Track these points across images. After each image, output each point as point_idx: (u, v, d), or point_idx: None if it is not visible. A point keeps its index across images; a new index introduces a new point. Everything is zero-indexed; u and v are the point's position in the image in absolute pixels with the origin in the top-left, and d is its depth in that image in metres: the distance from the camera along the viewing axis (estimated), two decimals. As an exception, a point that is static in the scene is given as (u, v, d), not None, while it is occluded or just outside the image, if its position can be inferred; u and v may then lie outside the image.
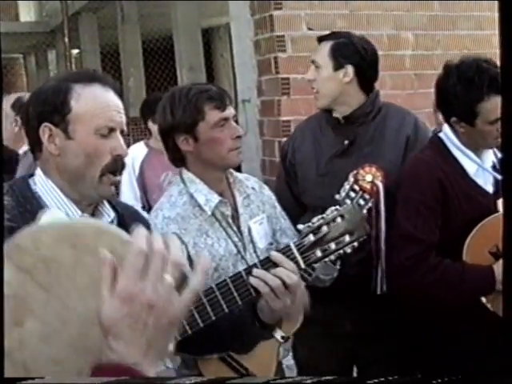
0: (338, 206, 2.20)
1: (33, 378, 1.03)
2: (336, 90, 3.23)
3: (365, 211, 2.44)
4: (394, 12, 10.31)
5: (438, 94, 2.77)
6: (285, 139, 9.87)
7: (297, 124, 10.53)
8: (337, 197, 2.48)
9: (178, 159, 2.61)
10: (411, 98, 9.92)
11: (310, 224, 2.10)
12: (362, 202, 2.48)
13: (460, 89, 2.62)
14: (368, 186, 2.51)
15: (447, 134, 2.75)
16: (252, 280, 2.03)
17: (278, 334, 2.60)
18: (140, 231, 1.06)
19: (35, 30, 19.08)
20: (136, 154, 4.90)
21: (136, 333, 1.01)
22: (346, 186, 2.51)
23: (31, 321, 1.09)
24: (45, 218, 1.17)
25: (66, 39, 12.53)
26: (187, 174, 2.59)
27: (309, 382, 1.19)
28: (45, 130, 1.88)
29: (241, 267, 2.53)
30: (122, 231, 1.16)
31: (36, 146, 1.93)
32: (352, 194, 2.49)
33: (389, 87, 10.23)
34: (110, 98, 1.92)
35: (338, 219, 2.09)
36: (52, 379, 1.04)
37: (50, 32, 18.55)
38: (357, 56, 3.23)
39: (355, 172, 2.52)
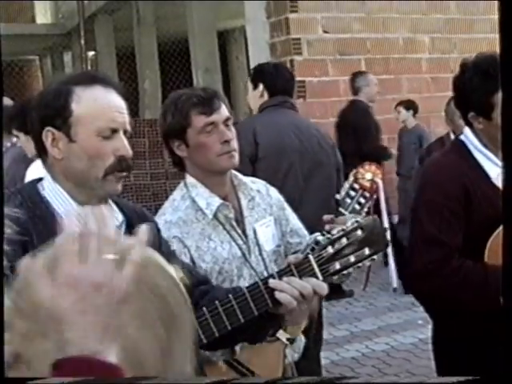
0: (358, 218, 2.18)
1: (34, 378, 1.02)
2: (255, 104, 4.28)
3: (366, 209, 2.43)
4: (410, 15, 10.30)
5: (456, 92, 2.77)
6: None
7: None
8: (337, 196, 2.47)
9: (178, 164, 2.63)
10: (428, 102, 9.91)
11: (329, 236, 2.08)
12: (362, 200, 2.47)
13: (476, 81, 2.62)
14: (368, 184, 2.50)
15: (468, 136, 2.74)
16: (277, 294, 2.01)
17: (283, 337, 2.60)
18: (69, 213, 1.04)
19: (51, 31, 19.16)
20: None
21: (88, 317, 0.99)
22: (346, 185, 2.51)
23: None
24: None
25: (82, 41, 12.57)
26: (190, 179, 2.60)
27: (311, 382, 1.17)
28: (48, 135, 1.87)
29: (245, 270, 2.53)
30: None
31: (41, 150, 1.92)
32: (352, 193, 2.48)
33: (405, 91, 10.24)
34: (112, 98, 1.90)
35: (358, 231, 2.06)
36: (52, 379, 1.03)
37: (66, 34, 18.62)
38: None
39: (355, 171, 2.51)
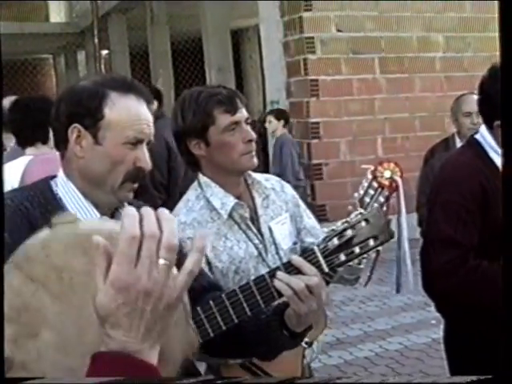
0: (362, 210, 2.18)
1: (33, 378, 1.02)
2: None
3: (385, 208, 2.41)
4: (424, 14, 10.27)
5: (481, 95, 2.74)
6: (314, 141, 9.90)
7: (326, 126, 10.53)
8: (355, 195, 2.45)
9: (193, 163, 2.60)
10: (441, 101, 9.87)
11: (334, 228, 2.07)
12: (381, 199, 2.45)
13: None
14: (387, 183, 2.47)
15: (484, 136, 2.72)
16: (276, 283, 2.01)
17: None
18: (129, 213, 1.02)
19: (65, 30, 19.23)
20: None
21: (134, 321, 0.99)
22: (365, 184, 2.48)
23: (47, 332, 1.08)
24: (56, 220, 1.14)
25: (96, 40, 12.59)
26: (203, 179, 2.58)
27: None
28: (74, 131, 1.88)
29: (262, 269, 2.50)
30: None
31: (61, 144, 1.93)
32: (371, 192, 2.46)
33: (418, 89, 10.21)
34: (143, 111, 1.92)
35: (363, 223, 2.05)
36: (52, 379, 1.03)
37: (79, 33, 18.68)
38: None
39: (373, 168, 2.49)
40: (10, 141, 4.27)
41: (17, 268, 1.08)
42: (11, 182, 3.31)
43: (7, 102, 4.28)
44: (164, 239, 1.01)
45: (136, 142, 1.88)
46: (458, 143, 4.99)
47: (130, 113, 1.88)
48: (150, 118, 1.93)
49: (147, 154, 1.91)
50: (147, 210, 1.04)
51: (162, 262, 1.00)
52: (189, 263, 1.03)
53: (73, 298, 1.08)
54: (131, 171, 1.88)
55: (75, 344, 1.07)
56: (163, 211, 1.05)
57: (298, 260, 2.02)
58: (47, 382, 1.01)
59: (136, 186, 1.93)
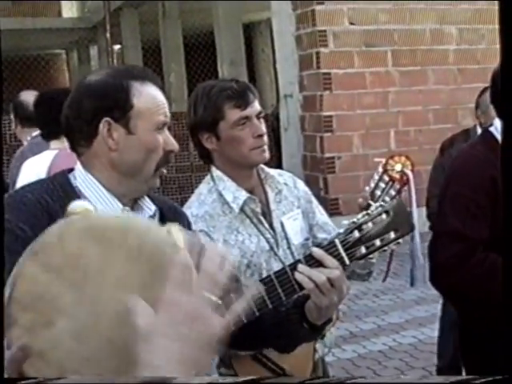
0: (382, 202, 2.16)
1: (33, 378, 1.02)
2: None
3: None
4: (437, 6, 10.22)
5: (495, 89, 2.71)
6: (327, 134, 9.88)
7: (339, 119, 10.53)
8: (366, 188, 2.44)
9: (206, 156, 2.61)
10: (454, 93, 9.84)
11: (354, 220, 2.07)
12: (392, 192, 2.44)
13: None
14: (398, 176, 2.47)
15: (498, 128, 2.70)
16: (297, 275, 2.01)
17: None
18: (212, 248, 1.05)
19: (77, 25, 19.28)
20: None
21: (173, 345, 0.99)
22: (376, 177, 2.47)
23: (63, 320, 1.08)
24: (71, 208, 1.15)
25: (108, 35, 12.59)
26: (216, 172, 2.59)
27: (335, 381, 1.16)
28: (104, 125, 1.89)
29: (274, 263, 2.51)
30: (151, 227, 1.14)
31: (83, 141, 1.93)
32: (382, 185, 2.45)
33: (432, 82, 10.17)
34: (162, 96, 1.96)
35: (383, 215, 2.05)
36: (52, 379, 1.02)
37: (91, 28, 18.72)
38: None
39: (384, 162, 2.48)
40: (27, 134, 4.31)
41: (33, 257, 1.08)
42: (38, 175, 3.33)
43: (30, 96, 4.34)
44: (220, 278, 1.03)
45: (163, 127, 1.92)
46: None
47: (154, 99, 1.92)
48: (166, 103, 1.97)
49: (171, 136, 1.95)
50: (213, 246, 1.07)
51: (214, 298, 1.02)
52: (238, 307, 1.05)
53: (88, 286, 1.08)
54: (162, 157, 1.91)
55: (90, 332, 1.07)
56: (228, 252, 1.10)
57: (319, 253, 2.01)
58: (47, 382, 1.01)
59: (165, 171, 1.95)
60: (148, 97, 1.92)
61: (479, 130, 5.02)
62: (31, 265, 1.08)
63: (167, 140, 1.92)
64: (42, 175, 3.41)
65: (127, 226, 1.11)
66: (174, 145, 1.94)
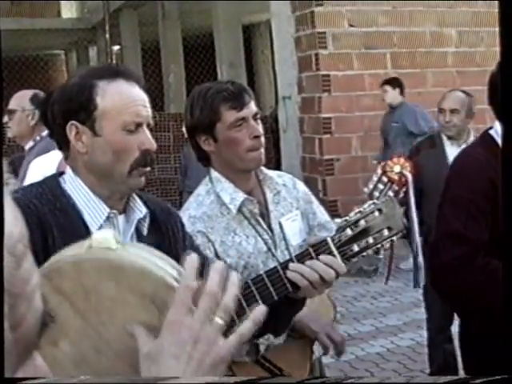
0: (375, 200, 2.16)
1: (33, 378, 1.01)
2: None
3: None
4: (437, 8, 10.22)
5: (491, 89, 2.71)
6: (325, 136, 9.87)
7: (337, 121, 10.49)
8: (365, 190, 2.44)
9: (204, 158, 2.61)
10: (453, 96, 9.84)
11: (347, 218, 2.07)
12: (391, 193, 2.44)
13: None
14: (396, 177, 2.47)
15: (497, 130, 2.69)
16: (289, 274, 2.02)
17: None
18: (215, 270, 1.06)
19: (76, 26, 19.25)
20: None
21: (179, 365, 1.00)
22: (374, 178, 2.47)
23: (66, 344, 1.09)
24: (95, 238, 1.15)
25: (107, 35, 12.62)
26: (214, 174, 2.59)
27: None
28: (71, 128, 1.87)
29: (271, 265, 2.50)
30: (167, 274, 1.14)
31: (63, 144, 1.92)
32: (380, 186, 2.45)
33: (431, 84, 10.17)
34: (136, 92, 1.90)
35: (376, 213, 2.05)
36: (52, 380, 1.02)
37: (91, 28, 18.71)
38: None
39: (383, 164, 2.48)
40: (42, 131, 4.31)
41: (47, 278, 1.08)
42: (45, 175, 3.35)
43: (29, 95, 4.36)
44: (225, 299, 1.04)
45: (136, 127, 1.86)
46: (445, 140, 4.92)
47: (122, 97, 1.87)
48: (144, 99, 1.91)
49: (149, 135, 1.89)
50: (218, 266, 1.07)
51: (218, 320, 1.03)
52: (243, 329, 1.05)
53: (95, 320, 1.10)
54: (138, 157, 1.87)
55: (91, 362, 1.08)
56: (234, 275, 1.08)
57: (296, 266, 2.03)
58: (47, 382, 1.00)
59: (148, 169, 1.92)
60: (114, 95, 1.86)
61: (443, 136, 4.98)
62: (44, 285, 1.08)
63: (143, 139, 1.87)
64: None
65: (145, 272, 1.11)
66: (151, 144, 1.89)
